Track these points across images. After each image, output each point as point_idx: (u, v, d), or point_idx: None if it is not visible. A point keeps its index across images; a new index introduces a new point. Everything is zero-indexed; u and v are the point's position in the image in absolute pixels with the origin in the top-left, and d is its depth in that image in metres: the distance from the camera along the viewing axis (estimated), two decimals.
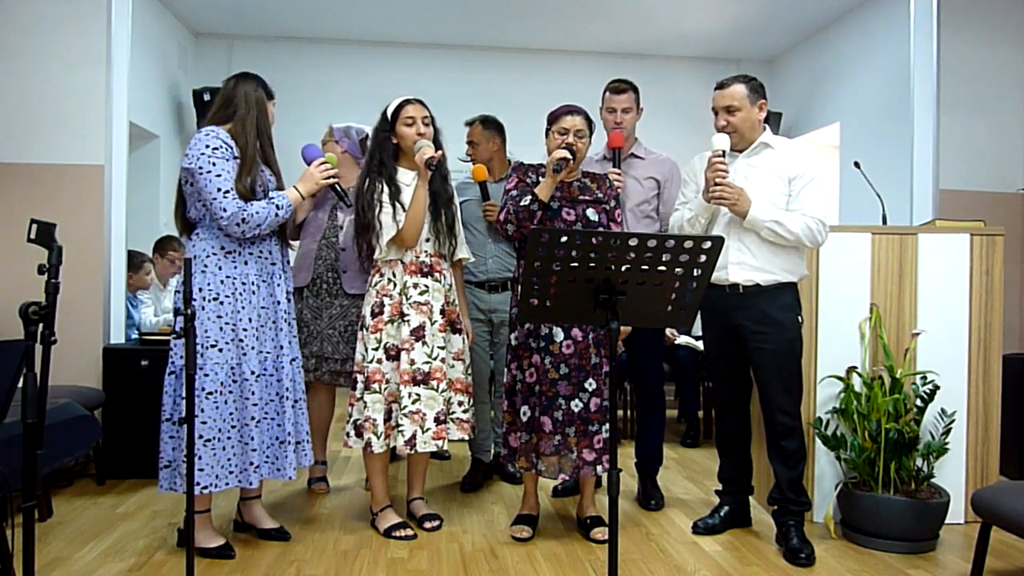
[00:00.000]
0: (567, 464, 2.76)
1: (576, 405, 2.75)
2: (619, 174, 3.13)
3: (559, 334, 2.78)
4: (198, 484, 2.52)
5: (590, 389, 2.78)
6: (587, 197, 2.87)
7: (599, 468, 2.78)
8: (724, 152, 2.72)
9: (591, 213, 2.85)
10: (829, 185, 5.45)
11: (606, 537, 2.65)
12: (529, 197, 2.74)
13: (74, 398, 3.14)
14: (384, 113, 2.93)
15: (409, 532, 2.87)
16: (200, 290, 2.58)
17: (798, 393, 2.81)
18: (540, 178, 2.83)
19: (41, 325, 1.77)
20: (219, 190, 2.58)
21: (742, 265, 2.76)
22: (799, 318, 2.80)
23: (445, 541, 2.85)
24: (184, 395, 2.53)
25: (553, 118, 2.87)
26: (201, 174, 2.60)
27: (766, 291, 2.76)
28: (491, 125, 3.66)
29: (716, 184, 2.68)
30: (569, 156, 2.73)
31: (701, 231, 2.84)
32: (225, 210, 2.57)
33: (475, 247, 3.50)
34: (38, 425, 1.76)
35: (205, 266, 2.61)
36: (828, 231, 2.75)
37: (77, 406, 2.96)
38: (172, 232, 5.05)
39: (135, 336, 4.19)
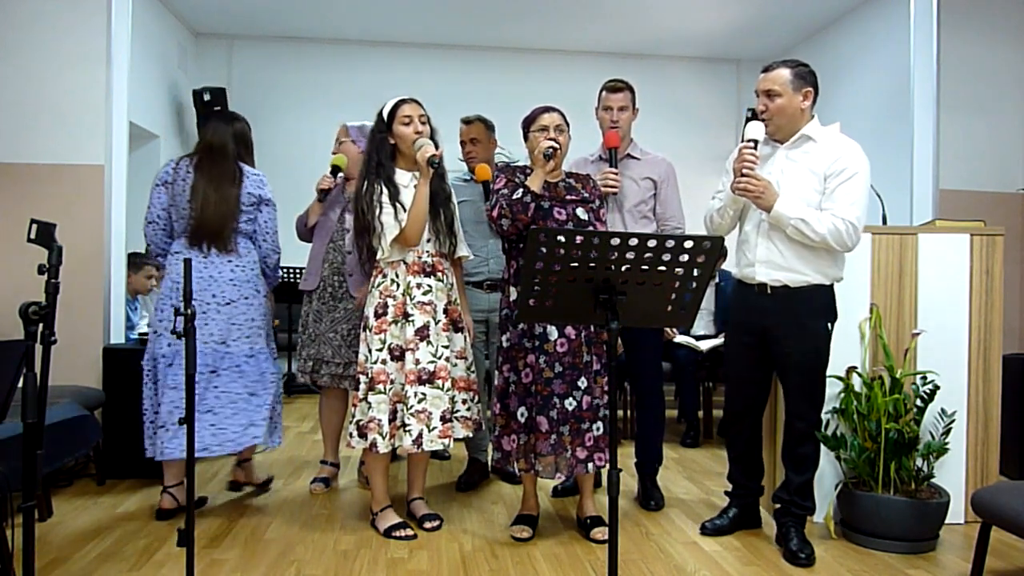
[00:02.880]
0: (563, 463, 2.76)
1: (570, 404, 2.75)
2: (616, 174, 3.13)
3: (553, 333, 2.78)
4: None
5: (582, 387, 2.78)
6: (574, 197, 2.88)
7: (590, 466, 2.78)
8: (756, 142, 2.60)
9: (580, 212, 2.86)
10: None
11: (606, 537, 2.65)
12: (521, 190, 2.75)
13: (74, 398, 3.14)
14: (380, 113, 2.93)
15: (409, 532, 2.86)
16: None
17: (819, 401, 2.75)
18: (527, 177, 2.84)
19: (41, 325, 1.77)
20: (276, 232, 3.25)
21: (769, 264, 2.67)
22: (828, 325, 2.71)
23: (445, 541, 2.85)
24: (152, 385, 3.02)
25: (530, 119, 2.90)
26: (273, 213, 3.24)
27: (795, 293, 2.65)
28: (491, 126, 3.68)
29: (742, 175, 2.58)
30: (557, 145, 2.77)
31: (730, 222, 2.79)
32: (279, 251, 3.28)
33: (474, 249, 3.50)
34: (38, 425, 1.76)
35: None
36: (860, 235, 2.60)
37: (77, 406, 2.95)
38: None
39: (134, 337, 4.19)
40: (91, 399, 3.48)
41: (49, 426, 2.34)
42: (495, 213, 2.80)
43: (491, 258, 3.51)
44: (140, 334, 4.12)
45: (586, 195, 2.91)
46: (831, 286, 2.73)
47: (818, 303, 2.70)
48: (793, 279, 2.66)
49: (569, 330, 2.78)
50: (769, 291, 2.70)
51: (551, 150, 2.74)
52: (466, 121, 3.69)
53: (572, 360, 2.77)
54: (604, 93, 3.29)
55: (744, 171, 2.59)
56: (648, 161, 3.31)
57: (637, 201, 3.25)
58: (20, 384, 1.81)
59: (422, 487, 3.12)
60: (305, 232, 3.51)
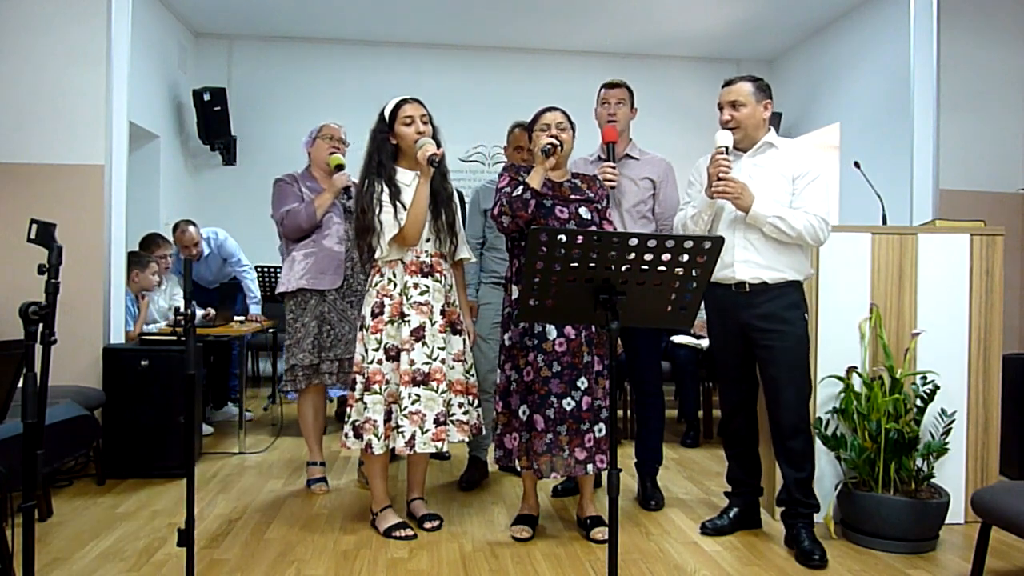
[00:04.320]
0: (559, 463, 2.75)
1: (568, 403, 2.75)
2: (613, 168, 3.13)
3: (552, 332, 2.78)
4: None
5: (582, 388, 2.77)
6: (578, 196, 2.88)
7: (590, 467, 2.77)
8: (727, 148, 2.71)
9: (583, 211, 2.86)
10: (830, 185, 5.45)
11: (606, 537, 2.65)
12: (521, 187, 2.75)
13: (74, 398, 3.14)
14: (381, 114, 2.93)
15: (409, 532, 2.86)
16: None
17: (806, 393, 2.80)
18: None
19: (41, 325, 1.77)
20: None
21: (748, 263, 2.75)
22: (805, 316, 2.80)
23: (445, 541, 2.85)
24: None
25: (533, 119, 2.93)
26: None
27: (772, 289, 2.75)
28: None
29: (719, 179, 2.68)
30: (557, 142, 2.77)
31: (704, 228, 2.83)
32: None
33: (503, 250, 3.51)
34: (38, 425, 1.76)
35: None
36: (830, 229, 2.75)
37: (77, 406, 2.96)
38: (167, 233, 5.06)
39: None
40: (91, 399, 3.48)
41: (49, 426, 2.34)
42: (496, 211, 2.80)
43: None
44: (140, 334, 4.12)
45: (591, 195, 2.91)
46: (801, 282, 2.82)
47: (795, 297, 2.78)
48: (771, 276, 2.74)
49: (568, 330, 2.78)
50: (747, 289, 2.77)
51: (550, 147, 2.75)
52: (524, 127, 3.64)
53: (571, 360, 2.77)
54: (602, 91, 3.33)
55: (720, 175, 2.68)
56: (647, 161, 3.32)
57: (636, 201, 3.25)
58: (20, 384, 1.81)
59: (422, 487, 3.12)
60: (307, 229, 3.40)
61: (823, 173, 2.78)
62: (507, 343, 2.86)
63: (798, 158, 2.79)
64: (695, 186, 2.92)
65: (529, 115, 2.97)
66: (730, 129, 2.77)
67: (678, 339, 4.63)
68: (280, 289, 3.48)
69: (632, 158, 3.31)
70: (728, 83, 2.85)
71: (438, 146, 2.83)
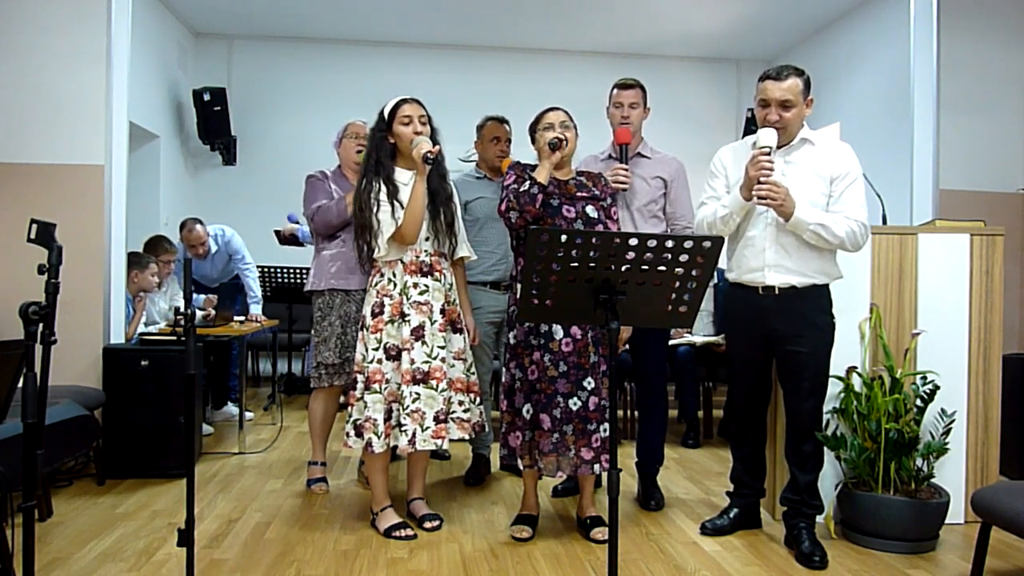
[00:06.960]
0: (565, 463, 2.75)
1: (574, 403, 2.75)
2: (626, 170, 3.13)
3: (558, 332, 2.78)
4: None
5: (588, 388, 2.77)
6: (584, 194, 2.88)
7: (596, 467, 2.77)
8: (770, 149, 2.58)
9: (590, 210, 2.86)
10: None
11: (606, 537, 2.65)
12: (528, 182, 2.75)
13: (74, 398, 3.14)
14: (381, 113, 2.94)
15: (409, 532, 2.86)
16: None
17: (824, 397, 2.78)
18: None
19: (41, 325, 1.77)
20: None
21: (779, 268, 2.68)
22: (833, 321, 2.75)
23: (445, 541, 2.85)
24: None
25: (535, 120, 2.93)
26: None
27: (802, 293, 2.68)
28: None
29: (760, 182, 2.55)
30: (562, 136, 2.77)
31: (732, 229, 2.75)
32: None
33: (491, 248, 3.49)
34: (38, 425, 1.76)
35: None
36: (869, 234, 2.67)
37: (77, 406, 2.95)
38: (167, 233, 5.07)
39: (136, 337, 4.18)
40: (91, 399, 3.47)
41: (49, 426, 2.34)
42: (503, 207, 2.81)
43: (508, 257, 3.50)
44: (140, 334, 4.12)
45: (597, 193, 2.90)
46: (828, 285, 2.77)
47: (824, 301, 2.74)
48: (801, 281, 2.68)
49: (575, 330, 2.78)
50: (776, 292, 2.70)
51: (557, 140, 2.75)
52: (502, 120, 3.67)
53: (577, 360, 2.77)
54: (615, 90, 3.30)
55: (762, 178, 2.56)
56: (658, 160, 3.31)
57: (647, 200, 3.24)
58: (20, 384, 1.81)
59: (422, 487, 3.12)
60: (338, 226, 3.33)
61: (860, 173, 2.68)
62: (512, 342, 2.86)
63: (836, 157, 2.67)
64: (718, 179, 2.82)
65: (529, 115, 2.97)
66: (776, 130, 2.62)
67: (674, 341, 4.62)
68: (309, 287, 3.46)
69: (644, 157, 3.30)
70: (775, 76, 2.62)
71: (435, 145, 2.84)
